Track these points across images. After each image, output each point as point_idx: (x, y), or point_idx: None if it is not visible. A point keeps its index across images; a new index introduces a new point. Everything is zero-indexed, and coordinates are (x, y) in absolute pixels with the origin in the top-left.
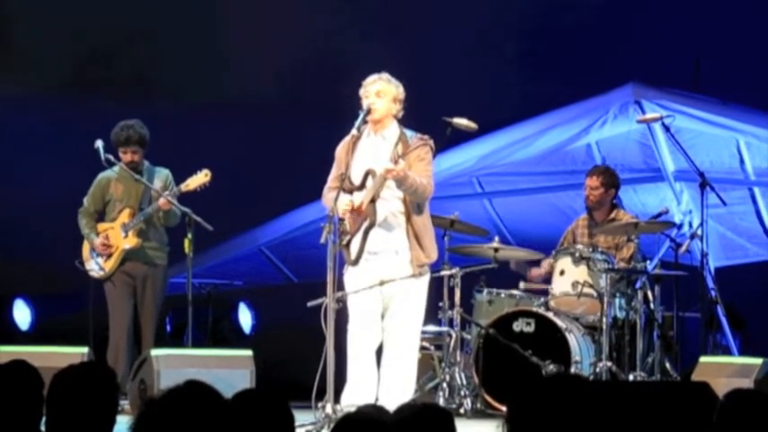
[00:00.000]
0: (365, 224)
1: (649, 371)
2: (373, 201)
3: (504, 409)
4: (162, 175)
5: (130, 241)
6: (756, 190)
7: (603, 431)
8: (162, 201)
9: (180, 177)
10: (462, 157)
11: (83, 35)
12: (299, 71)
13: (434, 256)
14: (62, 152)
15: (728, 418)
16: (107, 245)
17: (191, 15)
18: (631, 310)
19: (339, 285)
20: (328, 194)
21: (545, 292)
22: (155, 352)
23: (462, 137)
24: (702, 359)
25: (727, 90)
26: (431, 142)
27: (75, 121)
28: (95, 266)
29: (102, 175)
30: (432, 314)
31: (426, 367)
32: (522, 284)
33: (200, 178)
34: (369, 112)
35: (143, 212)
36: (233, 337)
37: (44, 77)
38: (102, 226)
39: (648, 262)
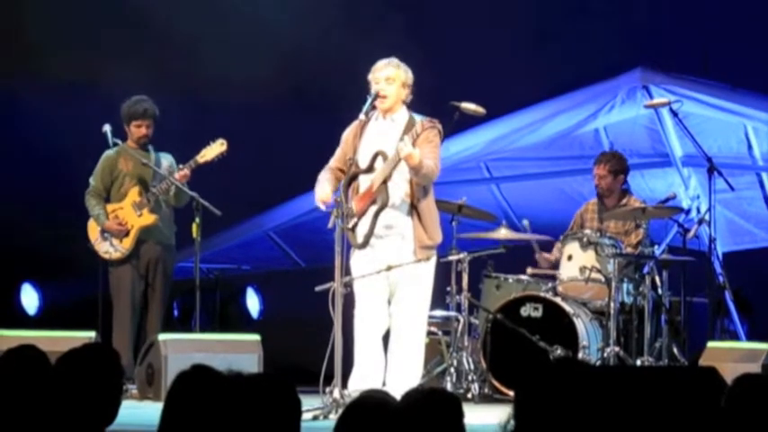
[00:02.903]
0: (376, 206)
1: (657, 356)
2: (385, 182)
3: (511, 394)
4: (168, 158)
5: (147, 219)
6: (764, 175)
7: (611, 416)
8: (180, 174)
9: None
10: (470, 142)
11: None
12: (309, 58)
13: (438, 238)
14: (68, 137)
15: (737, 402)
16: (121, 224)
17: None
18: (639, 295)
19: (346, 270)
20: (324, 175)
21: (553, 278)
22: (162, 336)
23: (470, 122)
24: (710, 344)
25: (736, 78)
26: (439, 126)
27: (84, 106)
28: (110, 248)
29: (108, 152)
30: (439, 299)
31: (434, 352)
32: (529, 270)
33: (216, 148)
34: (376, 96)
35: (157, 188)
36: (241, 322)
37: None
38: (109, 207)
39: (656, 247)
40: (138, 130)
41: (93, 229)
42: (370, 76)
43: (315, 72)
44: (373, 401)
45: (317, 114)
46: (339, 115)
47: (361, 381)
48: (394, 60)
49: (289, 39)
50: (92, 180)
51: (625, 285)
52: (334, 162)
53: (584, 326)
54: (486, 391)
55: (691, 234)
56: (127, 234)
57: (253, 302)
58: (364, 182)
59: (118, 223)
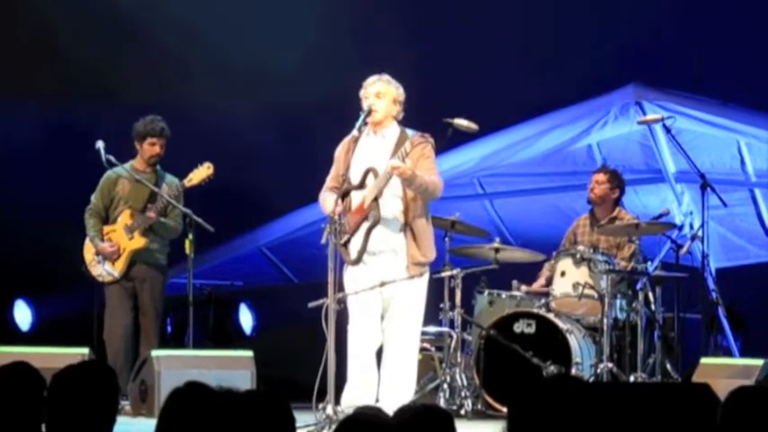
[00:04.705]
0: (368, 223)
1: (650, 372)
2: (376, 199)
3: (504, 410)
4: (172, 184)
5: (138, 242)
6: (757, 191)
7: None
8: (149, 214)
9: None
10: (463, 158)
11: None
12: (306, 71)
13: (432, 256)
14: (60, 154)
15: (733, 415)
16: (113, 246)
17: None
18: (632, 311)
19: (339, 286)
20: (326, 195)
21: (546, 294)
22: (156, 353)
23: (463, 138)
24: (703, 360)
25: (729, 91)
26: (431, 140)
27: (76, 124)
28: (103, 271)
29: (110, 172)
30: (432, 315)
31: (427, 368)
32: (515, 283)
33: (202, 171)
34: (369, 112)
35: (141, 216)
36: (234, 338)
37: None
38: (104, 229)
39: (649, 263)
40: (151, 148)
41: (89, 252)
42: (361, 93)
43: (309, 91)
44: (366, 418)
45: (313, 130)
46: (330, 133)
47: (354, 397)
48: (385, 76)
49: (287, 59)
50: (93, 198)
51: (618, 301)
52: (330, 182)
53: (577, 342)
54: (479, 407)
55: (684, 250)
56: (118, 257)
57: (246, 318)
58: (356, 198)
59: (110, 246)
